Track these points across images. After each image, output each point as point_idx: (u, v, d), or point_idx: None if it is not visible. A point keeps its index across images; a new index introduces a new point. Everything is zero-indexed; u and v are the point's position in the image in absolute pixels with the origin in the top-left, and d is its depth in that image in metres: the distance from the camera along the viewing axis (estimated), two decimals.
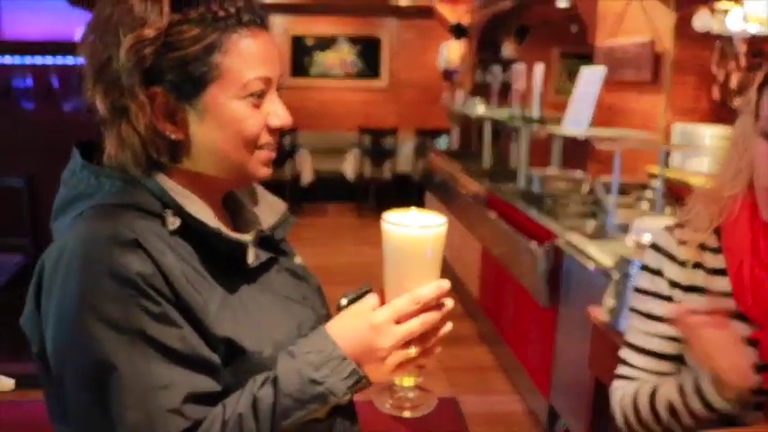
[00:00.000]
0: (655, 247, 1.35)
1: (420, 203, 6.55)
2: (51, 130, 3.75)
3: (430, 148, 7.84)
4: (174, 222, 0.98)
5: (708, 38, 3.61)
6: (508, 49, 8.31)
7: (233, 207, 1.18)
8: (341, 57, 9.59)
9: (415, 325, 0.98)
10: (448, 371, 4.04)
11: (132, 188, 0.99)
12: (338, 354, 0.97)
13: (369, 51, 9.61)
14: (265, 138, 1.05)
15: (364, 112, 9.46)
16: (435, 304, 1.00)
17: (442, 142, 8.69)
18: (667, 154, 3.42)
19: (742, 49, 3.47)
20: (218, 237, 1.01)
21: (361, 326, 0.99)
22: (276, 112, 1.05)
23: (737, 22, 3.19)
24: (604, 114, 4.46)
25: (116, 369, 0.90)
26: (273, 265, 1.13)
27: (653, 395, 1.26)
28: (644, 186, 3.47)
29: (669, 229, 1.34)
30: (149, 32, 0.94)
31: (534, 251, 3.23)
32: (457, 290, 5.30)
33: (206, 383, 0.95)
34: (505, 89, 5.75)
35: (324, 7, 8.95)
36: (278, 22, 8.90)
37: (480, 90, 7.50)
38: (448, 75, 9.08)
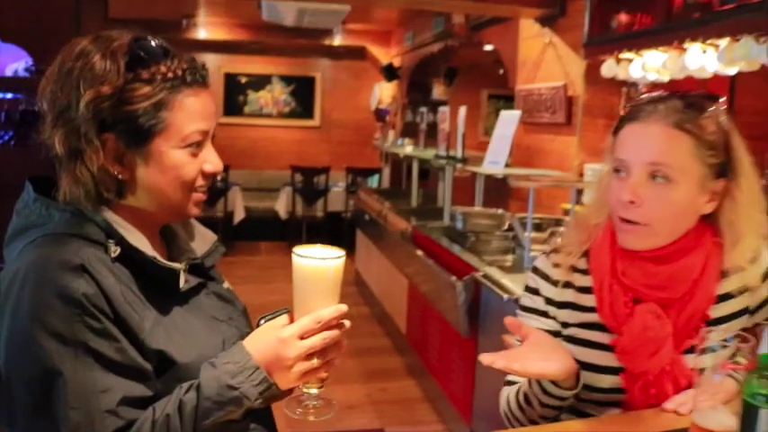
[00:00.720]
0: (534, 270, 1.51)
1: (351, 241, 6.67)
2: None
3: (361, 187, 7.96)
4: (115, 251, 1.11)
5: (615, 83, 3.86)
6: (438, 91, 8.58)
7: (169, 237, 1.31)
8: (274, 96, 9.70)
9: (316, 340, 1.11)
10: (376, 403, 4.13)
11: (79, 219, 1.12)
12: (252, 364, 1.09)
13: (302, 91, 9.75)
14: (200, 182, 1.19)
15: (297, 150, 9.55)
16: (336, 324, 1.14)
17: (374, 181, 8.84)
18: (579, 192, 3.63)
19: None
20: (153, 264, 1.14)
21: (271, 340, 1.12)
22: (211, 160, 1.20)
23: (638, 70, 3.44)
24: (523, 154, 4.69)
25: (62, 375, 1.02)
26: (203, 289, 1.27)
27: (518, 390, 1.41)
28: (558, 222, 3.67)
29: (546, 253, 1.51)
30: (107, 90, 1.09)
31: (455, 284, 3.37)
32: (385, 325, 5.41)
33: (139, 389, 1.08)
34: (433, 130, 5.94)
35: (258, 47, 9.05)
36: (211, 60, 8.95)
37: (410, 130, 7.69)
38: (380, 115, 9.28)
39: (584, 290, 1.42)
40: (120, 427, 1.04)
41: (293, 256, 1.14)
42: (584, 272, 1.43)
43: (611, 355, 1.35)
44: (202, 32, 8.29)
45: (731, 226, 1.33)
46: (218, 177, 7.72)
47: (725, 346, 1.10)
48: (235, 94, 9.52)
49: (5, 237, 1.16)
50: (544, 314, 1.46)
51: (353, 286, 6.46)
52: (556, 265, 1.45)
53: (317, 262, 1.13)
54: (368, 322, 5.64)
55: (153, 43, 1.15)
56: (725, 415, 1.03)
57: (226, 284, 1.37)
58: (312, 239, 1.33)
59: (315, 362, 1.12)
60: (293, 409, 1.17)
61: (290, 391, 1.21)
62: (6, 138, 4.30)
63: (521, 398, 1.39)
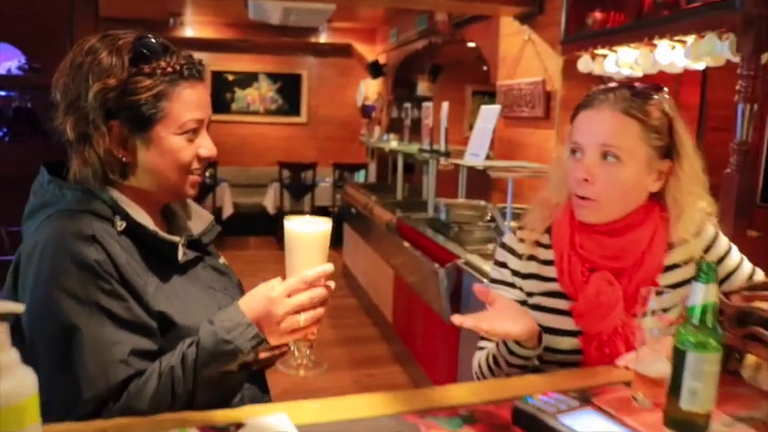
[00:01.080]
0: (502, 245, 1.65)
1: (338, 235, 6.79)
2: None
3: (348, 182, 8.07)
4: (120, 225, 1.26)
5: (591, 78, 3.99)
6: (423, 87, 8.71)
7: (169, 216, 1.46)
8: (261, 93, 9.80)
9: (303, 299, 1.23)
10: (364, 388, 4.27)
11: (88, 197, 1.26)
12: (245, 321, 1.22)
13: (288, 88, 9.86)
14: (195, 165, 1.34)
15: (284, 147, 9.67)
16: (322, 284, 1.26)
17: (361, 176, 8.97)
18: None
19: None
20: (154, 237, 1.29)
21: (262, 298, 1.24)
22: (205, 145, 1.34)
23: (613, 65, 3.59)
24: (505, 148, 4.84)
25: (79, 330, 1.16)
26: (200, 262, 1.42)
27: (488, 354, 1.55)
28: None
29: (513, 230, 1.65)
30: (113, 82, 1.24)
31: (438, 272, 3.51)
32: (372, 315, 5.54)
33: (146, 343, 1.22)
34: (418, 125, 6.05)
35: (244, 45, 9.14)
36: (199, 57, 8.98)
37: (395, 126, 7.82)
38: (366, 111, 9.41)
39: (547, 262, 1.57)
40: (131, 376, 1.18)
41: (285, 222, 1.27)
42: (547, 246, 1.58)
43: (570, 319, 1.50)
44: (189, 31, 8.38)
45: (675, 202, 1.48)
46: (208, 174, 7.89)
47: (665, 310, 1.24)
48: (222, 92, 9.60)
49: (23, 215, 1.30)
50: (511, 285, 1.60)
51: (341, 278, 6.59)
52: (521, 241, 1.60)
53: (305, 227, 1.26)
54: (355, 313, 5.78)
55: (154, 41, 1.30)
56: (662, 364, 1.17)
57: (222, 260, 1.52)
58: None
59: (301, 318, 1.23)
60: (288, 365, 1.30)
61: (282, 354, 1.35)
62: (0, 134, 4.41)
63: (490, 360, 1.53)
